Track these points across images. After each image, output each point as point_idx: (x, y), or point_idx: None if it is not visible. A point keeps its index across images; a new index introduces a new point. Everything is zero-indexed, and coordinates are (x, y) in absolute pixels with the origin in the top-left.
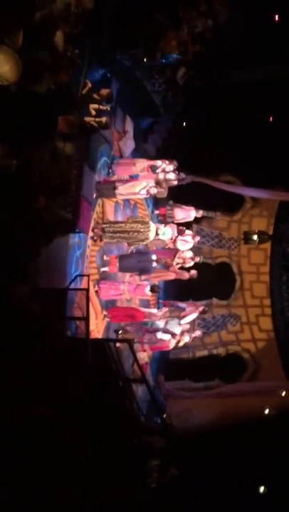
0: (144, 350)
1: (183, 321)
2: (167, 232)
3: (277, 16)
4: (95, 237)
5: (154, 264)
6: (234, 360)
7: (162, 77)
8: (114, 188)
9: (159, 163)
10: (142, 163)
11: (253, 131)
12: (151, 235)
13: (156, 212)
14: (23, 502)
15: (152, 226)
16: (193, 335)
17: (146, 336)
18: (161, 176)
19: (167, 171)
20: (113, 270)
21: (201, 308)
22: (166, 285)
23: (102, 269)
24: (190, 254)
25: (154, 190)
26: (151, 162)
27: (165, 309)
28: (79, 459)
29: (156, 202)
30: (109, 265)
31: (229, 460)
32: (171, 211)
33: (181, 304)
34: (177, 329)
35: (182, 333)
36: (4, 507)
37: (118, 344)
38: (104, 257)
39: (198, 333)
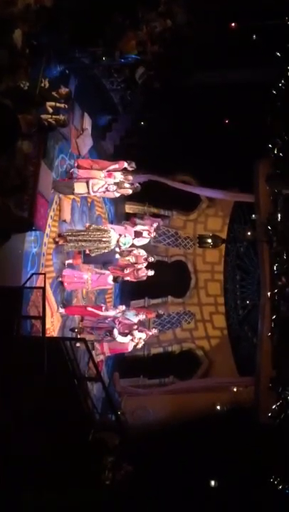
0: (104, 353)
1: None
2: (128, 241)
3: (234, 24)
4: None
5: (117, 256)
6: (188, 357)
7: (121, 76)
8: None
9: (118, 176)
10: (100, 173)
11: (209, 133)
12: (112, 243)
13: (127, 222)
14: None
15: (113, 234)
16: (150, 333)
17: (105, 340)
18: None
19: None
20: (77, 262)
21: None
22: (121, 283)
23: (67, 262)
24: (144, 252)
25: (112, 188)
26: (110, 169)
27: (121, 307)
28: (34, 457)
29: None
30: (73, 258)
31: (183, 455)
32: (142, 221)
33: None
34: (134, 319)
35: (139, 334)
36: None
37: (78, 344)
38: (67, 262)
39: (154, 331)
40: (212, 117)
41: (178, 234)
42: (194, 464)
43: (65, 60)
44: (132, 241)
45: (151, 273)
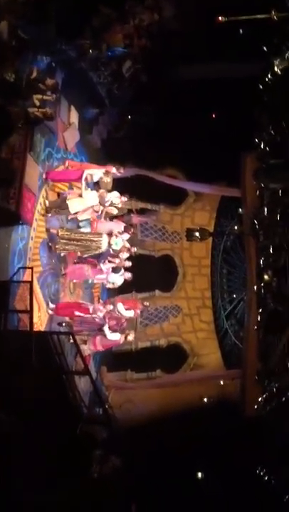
0: (98, 349)
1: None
2: (119, 242)
3: (220, 18)
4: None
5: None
6: (175, 350)
7: (108, 70)
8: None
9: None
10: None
11: (196, 127)
12: (104, 245)
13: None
14: None
15: (104, 237)
16: (138, 311)
17: (97, 338)
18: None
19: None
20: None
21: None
22: None
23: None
24: (126, 243)
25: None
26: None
27: (109, 307)
28: (21, 451)
29: None
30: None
31: (170, 448)
32: (129, 219)
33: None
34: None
35: (127, 312)
36: None
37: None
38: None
39: (141, 307)
40: (199, 111)
41: (165, 228)
42: (181, 456)
43: (52, 52)
44: (122, 242)
45: (128, 276)
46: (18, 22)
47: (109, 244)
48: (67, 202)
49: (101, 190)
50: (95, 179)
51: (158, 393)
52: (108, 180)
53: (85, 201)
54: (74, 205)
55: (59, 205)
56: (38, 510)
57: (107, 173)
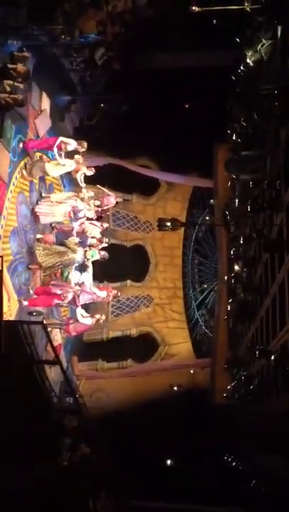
0: (69, 333)
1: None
2: (95, 254)
3: (194, 7)
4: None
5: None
6: (146, 340)
7: (80, 56)
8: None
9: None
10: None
11: (169, 117)
12: (79, 258)
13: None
14: None
15: (80, 250)
16: (111, 294)
17: (70, 323)
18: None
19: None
20: (47, 240)
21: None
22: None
23: (38, 236)
24: (98, 234)
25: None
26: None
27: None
28: None
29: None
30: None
31: (140, 436)
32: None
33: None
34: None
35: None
36: None
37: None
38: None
39: (114, 292)
40: (172, 101)
41: (137, 218)
42: (151, 443)
43: (23, 36)
44: (97, 254)
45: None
46: None
47: (85, 257)
48: (45, 165)
49: (77, 157)
50: (70, 149)
51: (129, 382)
52: (83, 150)
53: (62, 166)
54: (51, 168)
55: (37, 168)
56: (8, 497)
57: (80, 144)
